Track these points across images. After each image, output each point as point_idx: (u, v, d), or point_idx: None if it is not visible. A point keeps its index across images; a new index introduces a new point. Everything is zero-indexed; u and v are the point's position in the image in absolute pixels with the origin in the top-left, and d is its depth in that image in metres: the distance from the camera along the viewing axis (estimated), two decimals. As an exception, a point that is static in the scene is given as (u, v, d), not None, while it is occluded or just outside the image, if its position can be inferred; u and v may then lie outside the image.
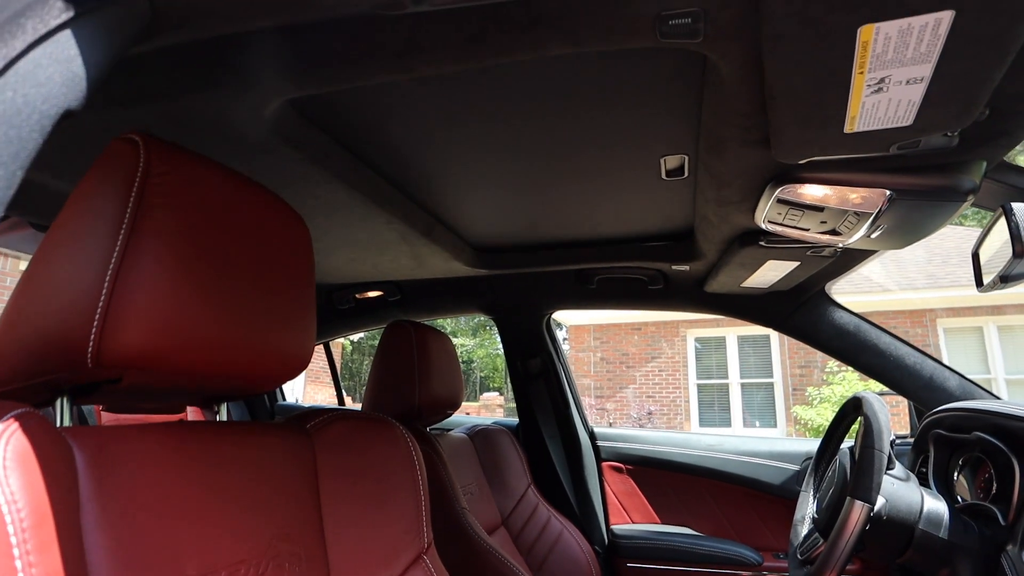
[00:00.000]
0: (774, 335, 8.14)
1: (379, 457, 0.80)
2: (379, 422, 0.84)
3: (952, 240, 8.27)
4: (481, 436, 1.66)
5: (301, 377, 10.00)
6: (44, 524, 0.42)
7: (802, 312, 1.58)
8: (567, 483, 1.83)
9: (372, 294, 1.87)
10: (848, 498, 1.02)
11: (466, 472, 1.47)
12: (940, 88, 0.62)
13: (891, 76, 0.61)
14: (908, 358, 1.47)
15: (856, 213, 0.96)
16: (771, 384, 8.15)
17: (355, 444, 0.79)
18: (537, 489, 1.72)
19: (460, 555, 1.18)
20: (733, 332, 8.38)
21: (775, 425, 8.06)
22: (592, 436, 1.96)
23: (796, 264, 1.33)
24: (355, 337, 13.96)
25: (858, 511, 1.00)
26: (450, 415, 1.46)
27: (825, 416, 6.78)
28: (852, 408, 1.27)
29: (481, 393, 9.70)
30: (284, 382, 0.72)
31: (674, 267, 1.54)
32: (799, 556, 1.23)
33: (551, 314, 1.91)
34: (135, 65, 0.72)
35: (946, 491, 1.21)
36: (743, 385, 8.30)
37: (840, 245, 1.11)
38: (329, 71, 0.71)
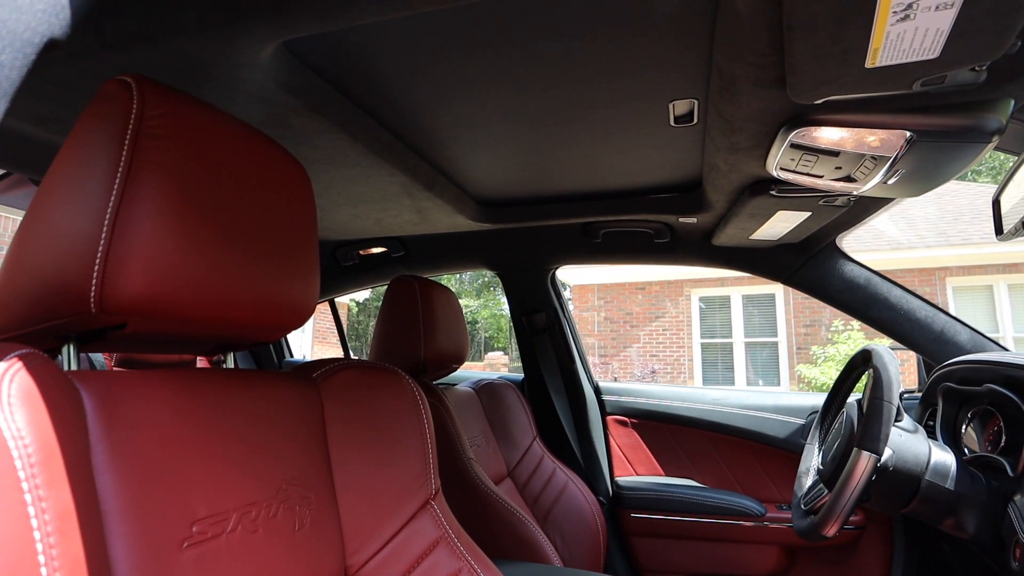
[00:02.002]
0: (780, 294, 8.11)
1: (386, 405, 0.80)
2: (385, 371, 0.84)
3: (965, 197, 8.13)
4: (487, 390, 1.67)
5: (308, 337, 10.10)
6: (52, 460, 0.41)
7: (811, 265, 1.55)
8: (572, 436, 1.85)
9: (376, 250, 1.85)
10: (855, 449, 1.02)
11: (472, 425, 1.48)
12: (971, 15, 0.58)
13: (919, 1, 0.57)
14: (919, 311, 1.45)
15: (873, 157, 0.92)
16: (775, 343, 8.18)
17: (361, 392, 0.79)
18: (542, 442, 1.73)
19: (467, 504, 1.20)
20: (738, 291, 8.36)
21: (779, 384, 8.12)
22: (597, 390, 1.97)
23: (807, 214, 1.30)
24: (360, 299, 14.04)
25: (864, 462, 1.00)
26: (455, 369, 1.47)
27: (829, 375, 6.82)
28: (861, 361, 1.26)
29: (486, 353, 9.77)
30: (290, 331, 0.72)
31: (681, 219, 1.52)
32: (803, 506, 1.25)
33: (556, 269, 1.89)
34: (126, 6, 0.69)
35: (953, 444, 1.21)
36: (747, 344, 8.32)
37: (855, 193, 1.08)
38: (324, 8, 0.68)
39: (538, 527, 1.24)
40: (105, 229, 0.49)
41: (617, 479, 1.85)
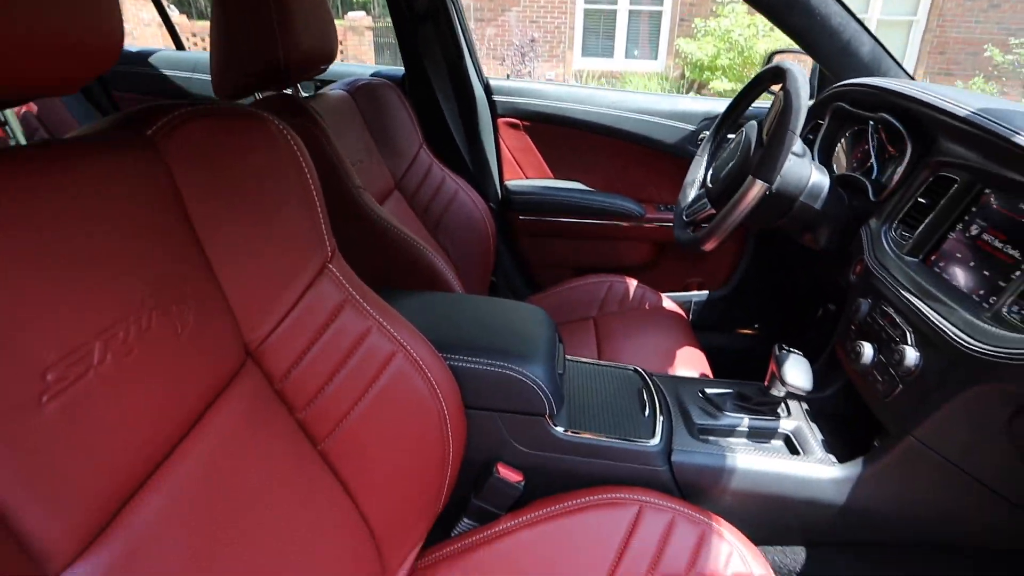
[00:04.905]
0: (673, -45, 7.42)
1: (255, 163, 0.63)
2: (247, 118, 0.64)
3: None
4: (364, 92, 1.43)
5: None
6: None
7: None
8: (460, 141, 1.73)
9: None
10: (750, 176, 1.02)
11: (351, 138, 1.30)
12: None
13: None
14: (833, 19, 1.35)
15: None
16: (659, 13, 7.83)
17: (220, 151, 0.60)
18: (429, 148, 1.61)
19: (359, 237, 1.12)
20: (631, -50, 7.52)
21: (655, 57, 8.08)
22: (488, 89, 1.78)
23: None
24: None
25: (757, 190, 1.01)
26: (324, 71, 1.20)
27: (706, 51, 6.83)
28: (770, 76, 1.19)
29: (345, 13, 8.38)
30: (86, 80, 0.48)
31: None
32: (684, 218, 1.32)
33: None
34: None
35: (826, 160, 1.28)
36: (631, 12, 7.91)
37: None
38: None
39: (437, 253, 1.21)
40: None
41: (507, 183, 1.83)
